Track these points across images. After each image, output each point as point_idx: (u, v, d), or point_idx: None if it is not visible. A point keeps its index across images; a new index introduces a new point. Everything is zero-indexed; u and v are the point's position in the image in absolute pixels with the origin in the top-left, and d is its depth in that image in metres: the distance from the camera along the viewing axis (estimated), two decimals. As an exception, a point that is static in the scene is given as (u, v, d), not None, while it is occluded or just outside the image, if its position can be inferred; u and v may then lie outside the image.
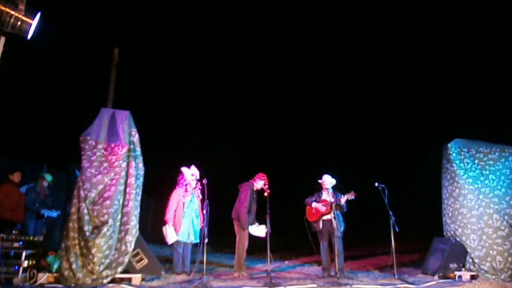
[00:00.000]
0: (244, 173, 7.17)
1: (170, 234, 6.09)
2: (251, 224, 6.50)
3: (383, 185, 6.62)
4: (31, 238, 5.31)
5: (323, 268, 6.68)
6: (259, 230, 6.48)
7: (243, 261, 6.40)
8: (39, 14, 4.09)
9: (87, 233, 5.06)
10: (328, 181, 6.84)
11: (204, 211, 6.20)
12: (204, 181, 6.30)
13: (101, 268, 5.06)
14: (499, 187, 6.57)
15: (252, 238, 6.59)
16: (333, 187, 6.87)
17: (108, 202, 5.22)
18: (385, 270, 6.94)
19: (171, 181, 6.77)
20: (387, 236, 6.51)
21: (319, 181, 6.93)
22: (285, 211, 6.69)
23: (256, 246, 7.49)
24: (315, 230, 6.76)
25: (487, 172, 6.66)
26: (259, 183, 6.66)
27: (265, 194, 6.47)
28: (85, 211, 5.12)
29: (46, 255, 5.33)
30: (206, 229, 6.05)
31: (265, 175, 6.72)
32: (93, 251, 5.01)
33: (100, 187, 5.26)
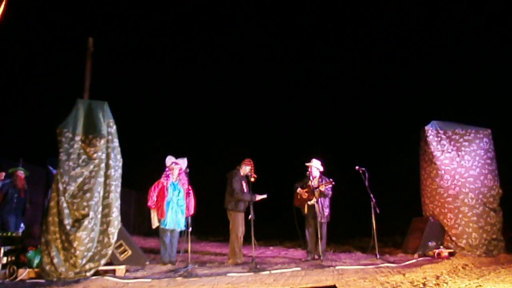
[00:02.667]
0: (229, 162, 7.16)
1: (153, 220, 6.20)
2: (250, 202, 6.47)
3: (363, 168, 6.73)
4: (10, 233, 5.20)
5: (307, 251, 6.79)
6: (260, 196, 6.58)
7: (237, 249, 6.42)
8: (6, 0, 3.91)
9: (68, 227, 4.98)
10: (315, 165, 6.86)
11: (188, 200, 6.21)
12: (186, 170, 6.29)
13: (84, 261, 5.00)
14: (474, 167, 6.78)
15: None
16: (321, 173, 6.91)
17: (88, 194, 5.14)
18: (367, 251, 7.11)
19: (153, 172, 6.72)
20: (368, 218, 6.66)
21: (307, 164, 6.95)
22: (270, 197, 6.73)
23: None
24: (304, 215, 6.85)
25: (463, 153, 6.86)
26: (246, 168, 6.66)
27: (252, 179, 6.50)
28: (65, 204, 5.03)
29: (25, 250, 5.22)
30: (189, 218, 6.06)
31: (251, 161, 6.72)
32: (75, 244, 4.93)
33: (80, 180, 5.16)
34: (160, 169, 6.53)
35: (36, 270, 5.02)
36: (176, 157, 6.50)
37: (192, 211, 6.30)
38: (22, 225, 7.29)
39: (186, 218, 6.21)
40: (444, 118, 7.26)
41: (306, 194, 6.73)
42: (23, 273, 4.94)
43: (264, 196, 6.59)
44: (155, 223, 6.21)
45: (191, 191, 6.36)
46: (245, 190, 6.57)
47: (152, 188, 6.31)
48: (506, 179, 7.07)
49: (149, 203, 6.24)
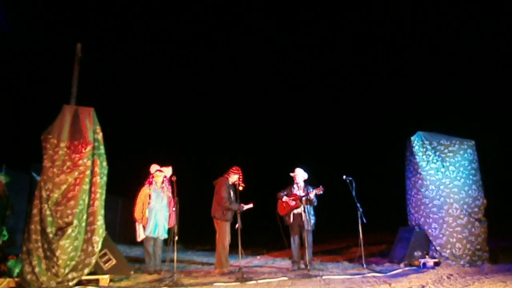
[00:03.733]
0: (216, 170, 7.14)
1: (139, 232, 6.12)
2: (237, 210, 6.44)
3: (350, 178, 6.78)
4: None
5: (292, 261, 6.77)
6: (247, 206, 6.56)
7: (224, 258, 6.37)
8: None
9: (51, 235, 4.87)
10: (300, 174, 6.89)
11: (174, 209, 6.14)
12: (173, 178, 6.24)
13: (67, 270, 4.89)
14: (458, 178, 6.88)
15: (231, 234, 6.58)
16: (305, 181, 6.94)
17: (72, 202, 5.05)
18: (354, 261, 7.13)
19: (139, 180, 6.65)
20: (355, 227, 6.69)
21: (291, 174, 6.97)
22: (256, 206, 6.71)
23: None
24: (287, 224, 6.84)
25: (448, 164, 6.96)
26: (233, 177, 6.63)
27: (240, 188, 6.47)
28: (48, 212, 4.93)
29: (6, 259, 5.09)
30: (176, 227, 6.00)
31: (239, 169, 6.69)
32: (57, 253, 4.83)
33: (64, 187, 5.07)
34: (146, 177, 6.48)
35: (16, 279, 4.90)
36: (161, 166, 6.45)
37: (173, 222, 6.20)
38: (5, 233, 7.09)
39: (171, 228, 6.14)
40: (429, 129, 7.38)
41: (294, 202, 6.74)
42: (3, 283, 4.81)
43: (250, 205, 6.58)
44: (140, 236, 6.11)
45: (174, 201, 6.26)
46: (232, 198, 6.54)
47: (137, 198, 6.22)
48: (489, 190, 7.18)
49: (135, 215, 6.14)
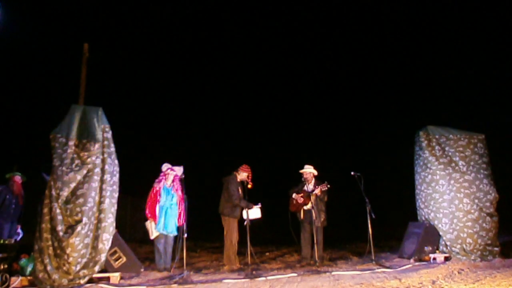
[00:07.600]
0: (225, 168, 7.16)
1: (151, 230, 6.12)
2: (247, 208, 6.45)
3: (358, 174, 6.76)
4: (2, 241, 5.14)
5: (302, 257, 6.78)
6: (255, 213, 6.51)
7: (233, 255, 6.40)
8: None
9: (61, 233, 4.93)
10: (308, 171, 6.91)
11: (183, 206, 6.18)
12: (182, 176, 6.27)
13: (78, 268, 4.95)
14: (469, 172, 6.80)
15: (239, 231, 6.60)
16: (315, 177, 6.95)
17: (81, 200, 5.09)
18: (363, 257, 7.10)
19: (149, 178, 6.69)
20: (364, 223, 6.66)
21: (300, 171, 6.99)
22: (266, 202, 6.73)
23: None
24: (299, 220, 6.88)
25: (457, 158, 6.87)
26: (243, 174, 6.64)
27: (249, 186, 6.49)
28: (58, 210, 4.99)
29: (18, 258, 5.16)
30: (185, 224, 6.03)
31: (249, 167, 6.70)
32: (68, 251, 4.88)
33: (73, 185, 5.12)
34: (156, 175, 6.50)
35: (29, 278, 4.97)
36: (173, 165, 6.47)
37: (183, 221, 6.23)
38: (19, 230, 7.18)
39: (181, 226, 6.17)
40: (438, 123, 7.29)
41: (302, 199, 6.75)
42: (16, 281, 4.88)
43: (259, 215, 6.56)
44: (153, 234, 6.12)
45: (184, 200, 6.28)
46: (241, 196, 6.57)
47: (149, 196, 6.25)
48: (501, 184, 7.07)
49: (146, 212, 6.18)
